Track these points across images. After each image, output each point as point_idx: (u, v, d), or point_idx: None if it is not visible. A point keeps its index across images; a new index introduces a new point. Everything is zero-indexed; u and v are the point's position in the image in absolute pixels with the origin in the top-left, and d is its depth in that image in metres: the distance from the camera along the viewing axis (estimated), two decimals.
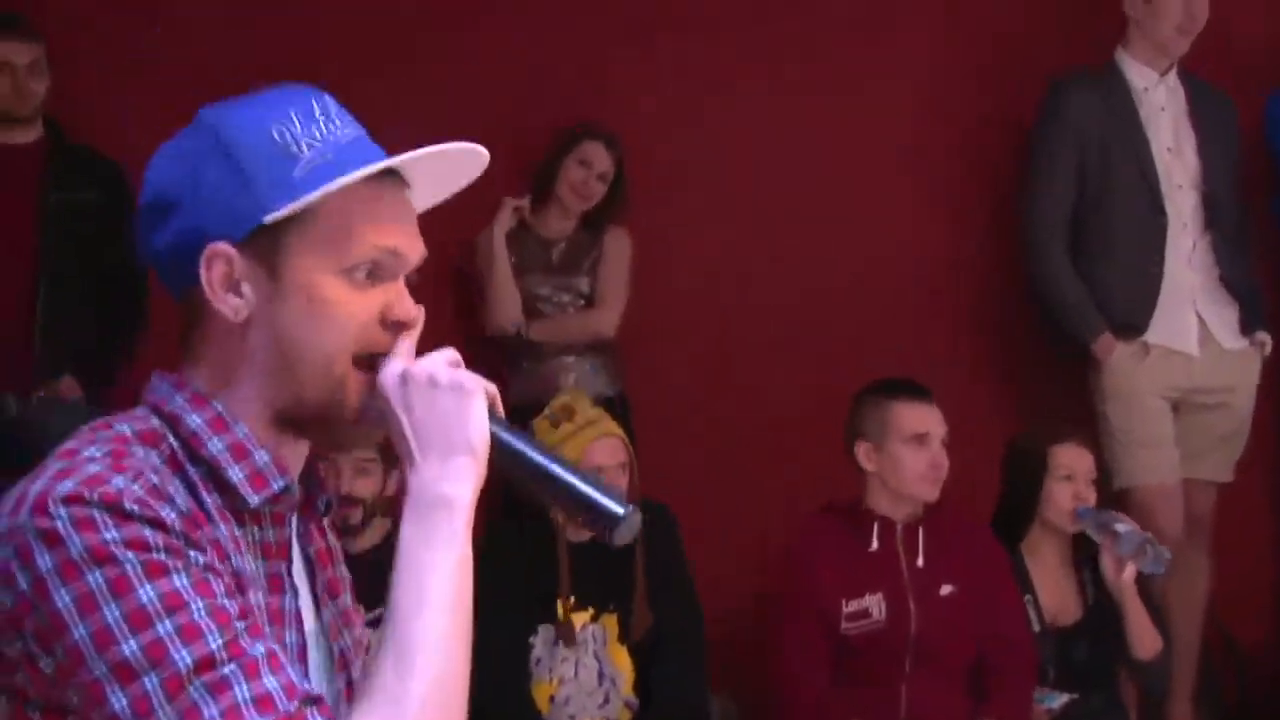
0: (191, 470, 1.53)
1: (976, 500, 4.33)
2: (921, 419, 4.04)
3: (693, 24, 5.09)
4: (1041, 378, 5.06)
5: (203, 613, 1.42)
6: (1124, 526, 4.09)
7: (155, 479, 1.47)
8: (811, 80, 5.12)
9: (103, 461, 1.47)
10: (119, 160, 4.63)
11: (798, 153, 5.12)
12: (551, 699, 4.05)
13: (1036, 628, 4.15)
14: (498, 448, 1.55)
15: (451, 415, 1.52)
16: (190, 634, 1.41)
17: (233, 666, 1.41)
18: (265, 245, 1.54)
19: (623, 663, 4.10)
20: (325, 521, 1.71)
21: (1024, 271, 4.90)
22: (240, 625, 1.44)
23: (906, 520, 4.07)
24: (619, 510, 1.56)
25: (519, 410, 4.40)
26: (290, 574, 1.60)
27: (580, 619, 4.10)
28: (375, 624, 4.22)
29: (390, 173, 1.58)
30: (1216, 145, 4.82)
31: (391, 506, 4.05)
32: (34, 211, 4.58)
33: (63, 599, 1.41)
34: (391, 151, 1.59)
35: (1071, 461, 4.22)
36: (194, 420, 1.55)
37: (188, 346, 1.60)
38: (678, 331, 5.06)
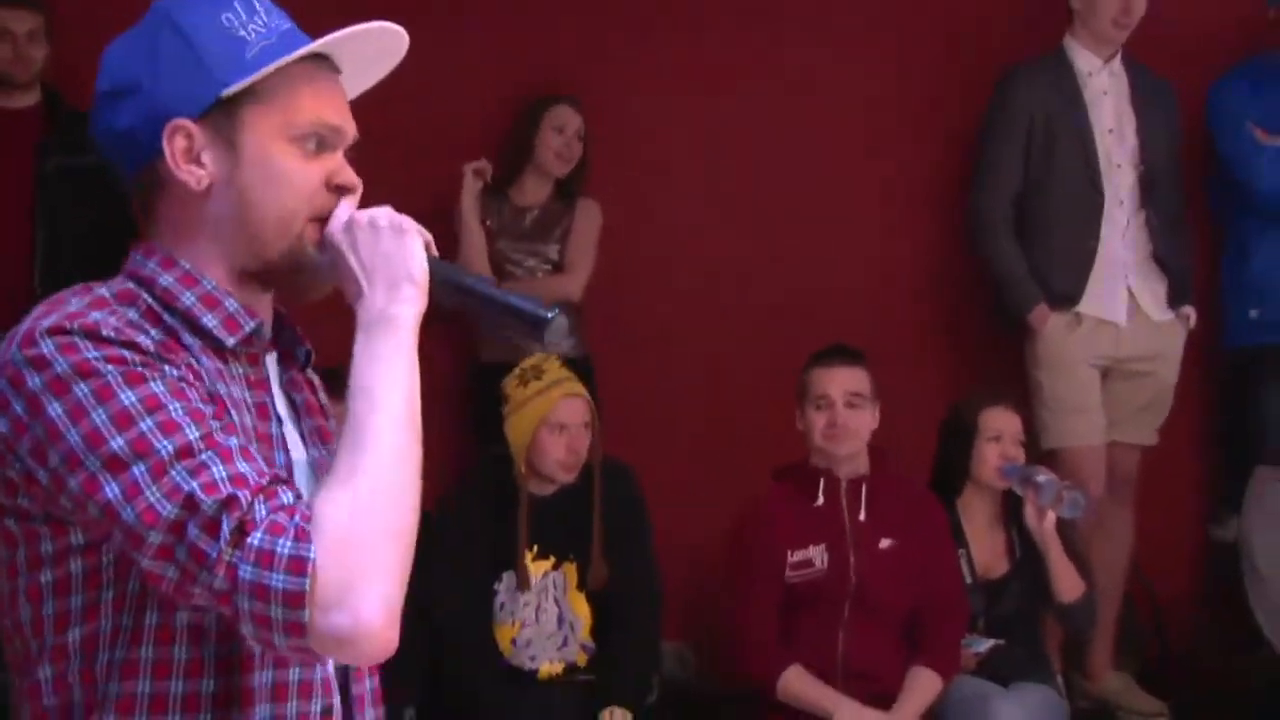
0: (169, 319, 1.69)
1: (927, 462, 4.58)
2: (822, 382, 4.28)
3: (657, 22, 5.29)
4: (986, 348, 5.26)
5: (180, 411, 1.59)
6: (1043, 477, 4.31)
7: (132, 318, 1.65)
8: (775, 71, 5.31)
9: (80, 304, 1.65)
10: None
11: (758, 136, 5.31)
12: (513, 641, 4.24)
13: (968, 579, 4.37)
14: (436, 277, 1.73)
15: (393, 249, 1.70)
16: (170, 428, 1.58)
17: (209, 453, 1.58)
18: (222, 119, 1.71)
19: (581, 609, 4.28)
20: (314, 378, 1.88)
21: (969, 249, 5.11)
22: (215, 424, 1.61)
23: (850, 477, 4.28)
24: (546, 314, 1.73)
25: (492, 369, 4.64)
26: (274, 405, 1.77)
27: (541, 567, 4.28)
28: None
29: (324, 59, 1.76)
30: (1156, 128, 5.03)
31: None
32: (32, 174, 4.71)
33: (54, 410, 1.59)
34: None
35: (1000, 424, 4.45)
36: (166, 279, 1.71)
37: (151, 219, 1.76)
38: (641, 296, 5.25)
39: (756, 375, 5.09)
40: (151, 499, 1.56)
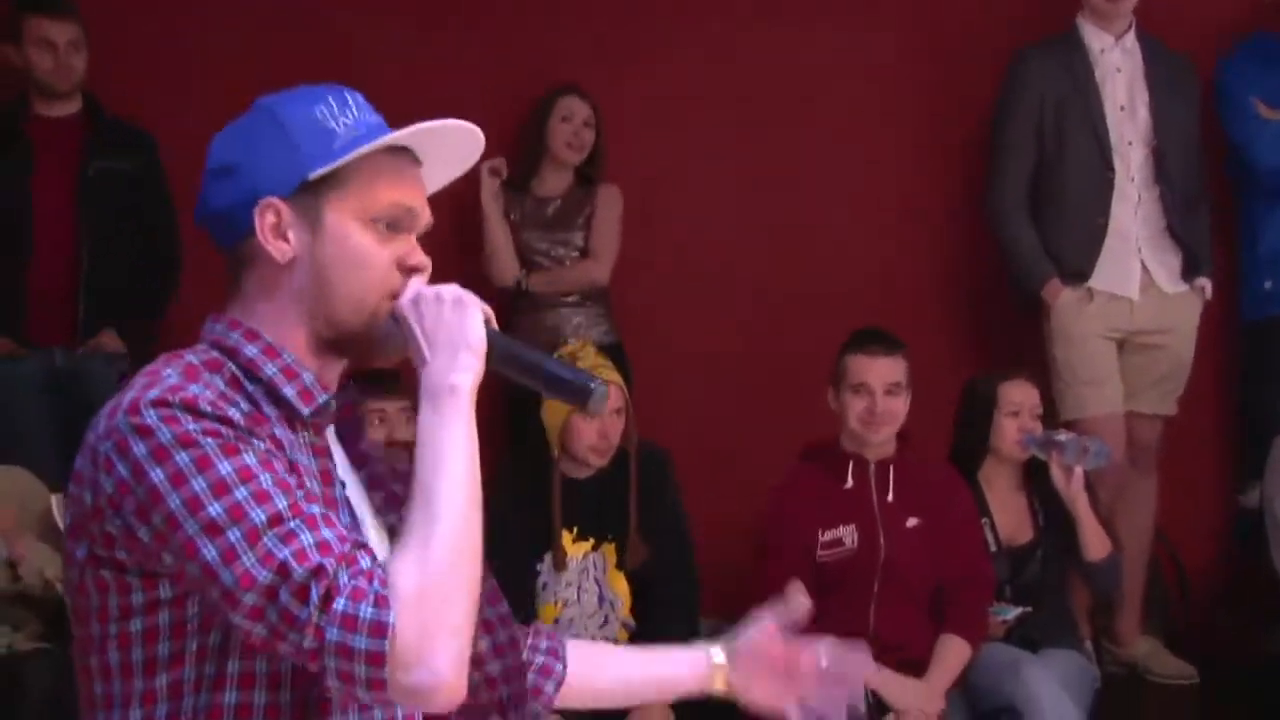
0: (250, 388, 1.85)
1: (947, 437, 4.65)
2: (862, 370, 4.35)
3: (672, 5, 5.40)
4: (1005, 324, 5.33)
5: (270, 481, 1.75)
6: (1064, 436, 4.42)
7: (223, 389, 1.81)
8: (791, 52, 5.40)
9: (179, 377, 1.81)
10: (151, 131, 4.91)
11: (778, 119, 5.41)
12: (556, 620, 4.32)
13: (993, 548, 4.45)
14: (493, 348, 1.87)
15: (454, 321, 1.85)
16: (262, 498, 1.73)
17: (297, 521, 1.73)
18: (308, 200, 1.88)
19: (621, 588, 4.37)
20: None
21: (985, 228, 5.19)
22: (299, 493, 1.77)
23: (878, 459, 4.36)
24: (590, 384, 1.90)
25: None
26: (335, 470, 1.92)
27: (581, 548, 4.37)
28: None
29: (406, 151, 1.92)
30: (1170, 104, 5.07)
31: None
32: (74, 179, 4.84)
33: (158, 476, 1.74)
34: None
35: (1018, 397, 4.54)
36: (250, 350, 1.87)
37: (237, 290, 1.92)
38: (669, 282, 5.36)
39: (783, 356, 5.20)
40: (248, 564, 1.71)
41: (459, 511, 1.77)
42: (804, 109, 5.42)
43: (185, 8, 5.15)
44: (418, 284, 1.89)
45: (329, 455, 1.92)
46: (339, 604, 1.69)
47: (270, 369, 1.87)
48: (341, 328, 1.89)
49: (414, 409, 4.33)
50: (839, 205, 5.41)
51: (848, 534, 4.30)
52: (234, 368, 1.86)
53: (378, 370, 3.77)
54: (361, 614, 1.69)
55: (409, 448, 4.54)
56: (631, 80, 5.34)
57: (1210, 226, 5.18)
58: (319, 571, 1.70)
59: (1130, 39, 5.10)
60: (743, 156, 5.42)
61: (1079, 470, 4.42)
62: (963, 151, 5.39)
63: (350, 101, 1.92)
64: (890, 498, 4.33)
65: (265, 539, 1.71)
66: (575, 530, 4.38)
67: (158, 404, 1.77)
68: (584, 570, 4.37)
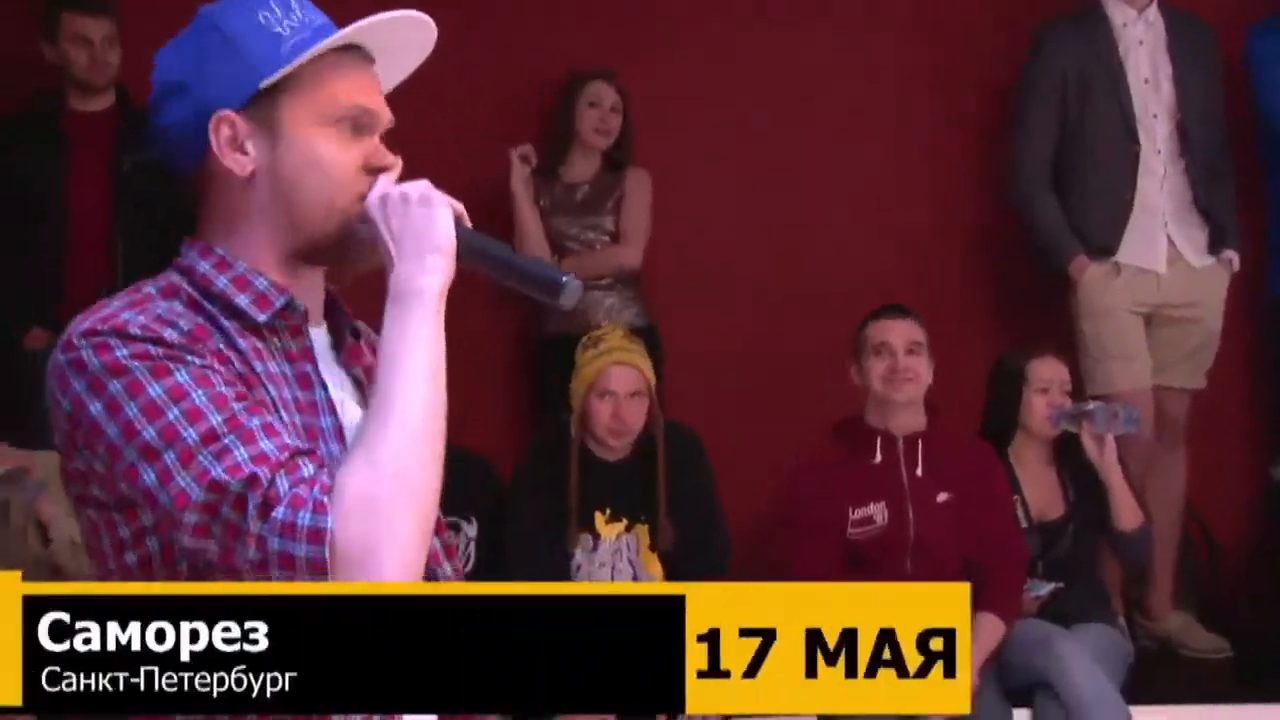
0: (208, 305, 1.81)
1: (979, 415, 4.69)
2: (882, 330, 4.39)
3: None
4: (1034, 300, 5.35)
5: (204, 398, 1.72)
6: (1093, 405, 4.46)
7: (160, 312, 1.77)
8: (813, 29, 5.45)
9: (117, 305, 1.79)
10: None
11: (800, 97, 5.44)
12: None
13: (1024, 524, 4.47)
14: (463, 247, 1.83)
15: (421, 221, 1.80)
16: (194, 416, 1.71)
17: (232, 437, 1.70)
18: (263, 109, 1.83)
19: (655, 569, 4.41)
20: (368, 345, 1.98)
21: (1009, 204, 5.21)
22: (238, 406, 1.73)
23: (906, 434, 4.38)
24: (561, 277, 1.84)
25: (558, 340, 4.81)
26: (317, 374, 1.87)
27: (614, 529, 4.42)
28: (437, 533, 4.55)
29: (358, 50, 1.87)
30: (1194, 75, 5.07)
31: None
32: (109, 173, 4.91)
33: (95, 408, 1.73)
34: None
35: (1048, 374, 4.56)
36: (202, 266, 1.84)
37: (202, 212, 1.88)
38: (700, 264, 5.40)
39: (814, 335, 5.20)
40: (183, 483, 1.69)
41: (415, 416, 1.73)
42: (826, 89, 5.45)
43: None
44: (385, 183, 1.85)
45: (310, 358, 1.88)
46: (278, 512, 1.68)
47: (221, 281, 1.83)
48: (312, 235, 1.85)
49: None
50: (864, 184, 5.44)
51: (878, 511, 4.32)
52: (189, 287, 1.84)
53: None
54: (299, 520, 1.67)
55: None
56: (658, 63, 5.38)
57: (1235, 199, 5.17)
58: (253, 481, 1.68)
59: (1153, 11, 5.10)
60: (769, 139, 5.44)
61: (1110, 439, 4.44)
62: (987, 126, 5.40)
63: (293, 3, 1.87)
64: (920, 472, 4.35)
65: (199, 457, 1.69)
66: (608, 511, 4.41)
67: (88, 334, 1.75)
68: (617, 551, 4.42)
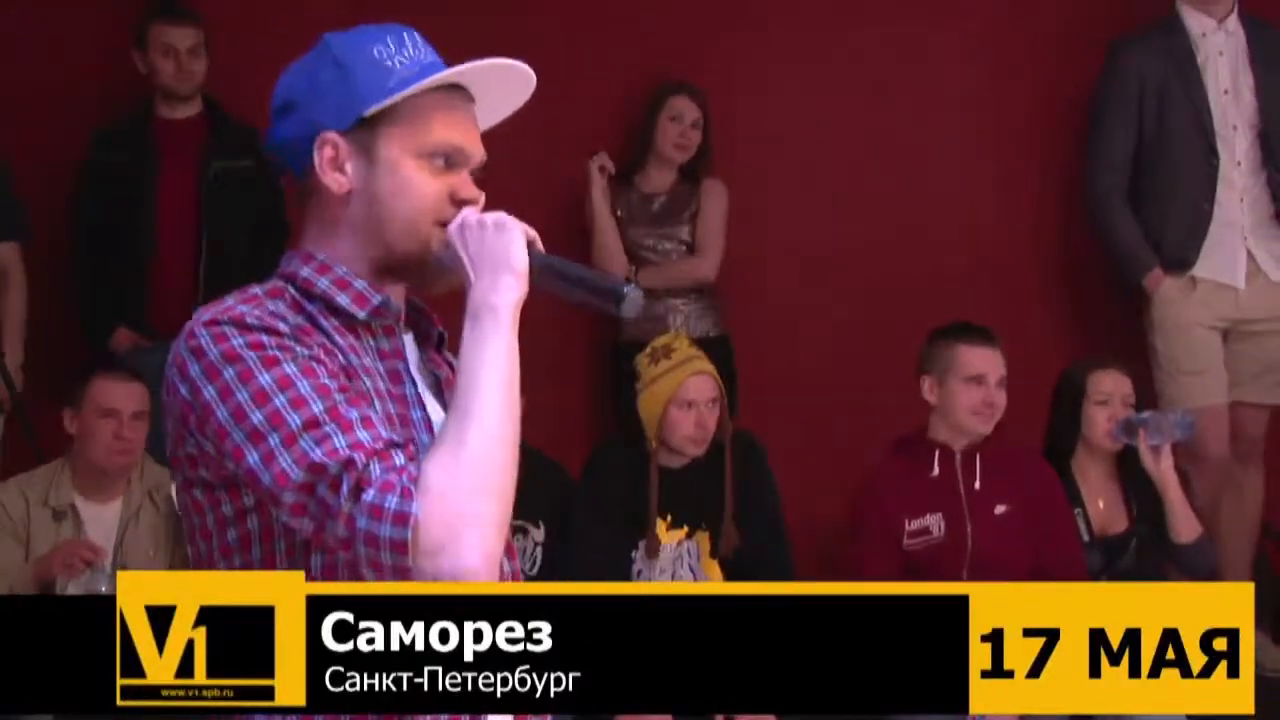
0: (310, 306, 1.96)
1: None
2: (980, 361, 4.34)
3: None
4: (1108, 314, 5.32)
5: (308, 388, 1.86)
6: (1147, 414, 4.41)
7: (272, 308, 1.91)
8: (888, 43, 5.43)
9: (233, 301, 1.93)
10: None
11: (877, 112, 5.43)
12: None
13: (1086, 538, 4.43)
14: (535, 268, 1.95)
15: (496, 244, 1.94)
16: (298, 404, 1.84)
17: (332, 425, 1.83)
18: (364, 135, 1.97)
19: (715, 576, 4.40)
20: (451, 359, 2.08)
21: (1086, 218, 5.16)
22: (339, 397, 1.87)
23: (965, 448, 4.37)
24: (623, 288, 1.96)
25: (630, 347, 4.78)
26: (408, 370, 2.01)
27: (675, 536, 4.42)
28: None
29: (460, 90, 2.01)
30: (1276, 85, 4.98)
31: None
32: (196, 179, 5.00)
33: (209, 392, 1.87)
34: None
35: (1108, 386, 4.50)
36: (305, 271, 1.98)
37: (304, 221, 2.03)
38: (774, 276, 5.39)
39: (886, 348, 5.17)
40: (284, 464, 1.82)
41: (493, 416, 1.85)
42: (898, 103, 5.44)
43: (302, 7, 5.17)
44: (468, 212, 1.98)
45: (401, 356, 2.01)
46: (368, 495, 1.79)
47: (323, 283, 1.97)
48: (396, 253, 1.98)
49: None
50: (934, 197, 5.42)
51: (934, 523, 4.31)
52: (293, 290, 1.96)
53: None
54: (387, 504, 1.79)
55: None
56: (736, 76, 5.39)
57: None
58: (349, 464, 1.80)
59: (1233, 21, 5.03)
60: (846, 156, 5.45)
61: (1167, 449, 4.39)
62: (1064, 140, 5.37)
63: (408, 41, 2.01)
64: (977, 485, 4.33)
65: (301, 441, 1.82)
66: (669, 518, 4.42)
67: (209, 324, 1.89)
68: (678, 558, 4.42)
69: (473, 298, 1.93)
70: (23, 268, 5.00)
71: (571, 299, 1.97)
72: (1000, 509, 4.32)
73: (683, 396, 4.36)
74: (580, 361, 5.37)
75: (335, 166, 1.98)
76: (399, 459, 1.82)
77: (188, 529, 1.96)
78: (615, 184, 5.27)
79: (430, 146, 1.97)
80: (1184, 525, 4.42)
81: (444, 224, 1.97)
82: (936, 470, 4.36)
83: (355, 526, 1.79)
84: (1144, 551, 4.50)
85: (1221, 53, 5.02)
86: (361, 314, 1.97)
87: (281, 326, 1.89)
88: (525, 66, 2.02)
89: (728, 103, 5.26)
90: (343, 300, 1.96)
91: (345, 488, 1.79)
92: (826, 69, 5.44)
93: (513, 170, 5.23)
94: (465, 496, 1.80)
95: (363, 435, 1.83)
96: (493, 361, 1.88)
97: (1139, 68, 5.01)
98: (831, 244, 5.42)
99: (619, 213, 5.26)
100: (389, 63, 1.98)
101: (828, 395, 5.35)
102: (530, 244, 1.96)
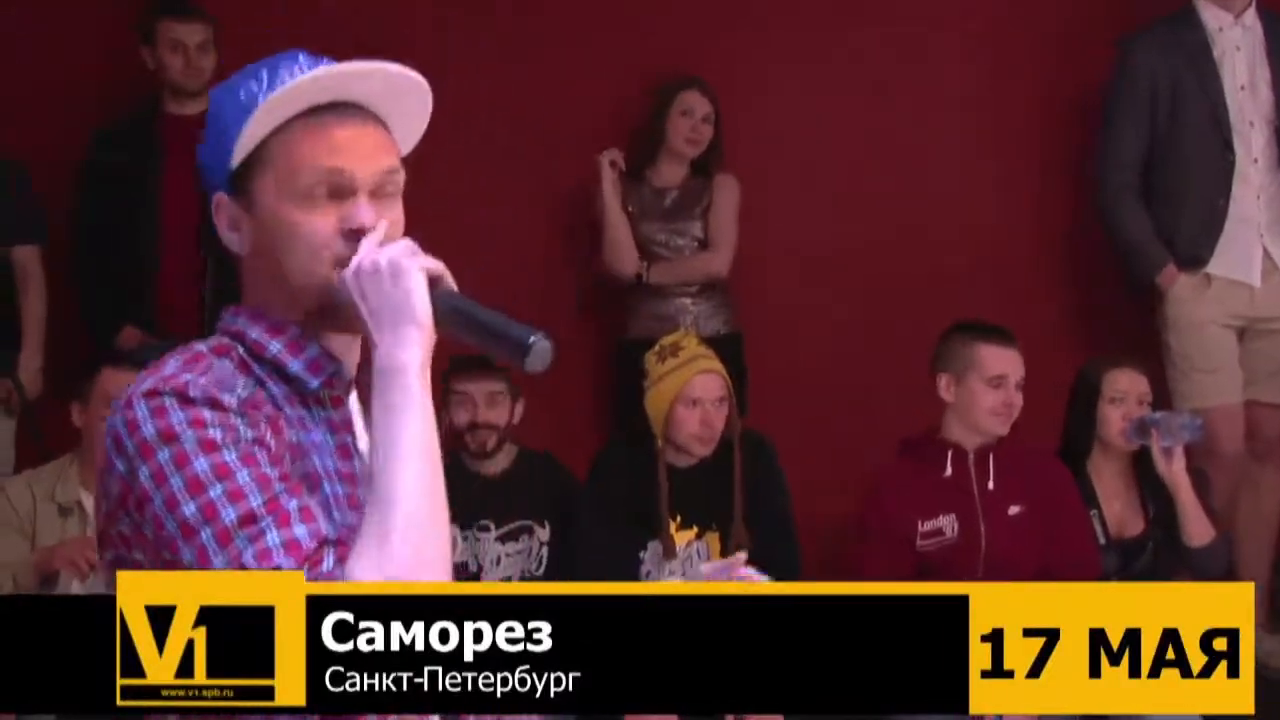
0: (258, 369, 1.83)
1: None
2: (1003, 363, 4.30)
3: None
4: (1121, 312, 5.29)
5: (247, 478, 1.72)
6: (1157, 415, 4.36)
7: (219, 375, 1.78)
8: (892, 41, 5.44)
9: (177, 365, 1.80)
10: None
11: (877, 112, 5.43)
12: None
13: (1102, 540, 4.39)
14: (441, 313, 1.78)
15: (394, 293, 1.76)
16: (235, 496, 1.72)
17: (269, 520, 1.71)
18: (243, 187, 1.83)
19: None
20: None
21: (1097, 216, 5.11)
22: (279, 487, 1.74)
23: (978, 448, 4.32)
24: (529, 338, 1.78)
25: (641, 345, 4.75)
26: (355, 445, 1.89)
27: (685, 537, 4.40)
28: (513, 535, 4.58)
29: (350, 107, 1.83)
30: None
31: (517, 434, 4.47)
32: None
33: (144, 473, 1.74)
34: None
35: (1123, 385, 4.45)
36: (254, 331, 1.85)
37: (241, 279, 1.91)
38: (785, 274, 5.39)
39: (886, 348, 5.22)
40: (218, 565, 1.71)
41: (413, 499, 1.73)
42: (903, 101, 5.44)
43: (309, 4, 5.27)
44: (366, 247, 1.81)
45: (349, 429, 1.90)
46: None
47: (274, 346, 1.85)
48: (308, 305, 1.84)
49: (500, 392, 4.39)
50: (942, 195, 5.42)
51: (948, 524, 4.27)
52: (242, 350, 1.84)
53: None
54: None
55: (493, 431, 4.54)
56: (747, 71, 5.39)
57: None
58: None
59: (1250, 15, 4.98)
60: (854, 154, 5.44)
61: (1179, 451, 4.34)
62: (1064, 140, 5.36)
63: (284, 71, 1.85)
64: (991, 485, 4.30)
65: (236, 539, 1.71)
66: (679, 519, 4.40)
67: (149, 395, 1.77)
68: (688, 559, 4.39)
69: (378, 358, 1.78)
70: (42, 271, 5.01)
71: (476, 345, 1.81)
72: (1014, 509, 4.29)
73: (689, 395, 4.34)
74: (585, 361, 5.36)
75: (232, 228, 1.86)
76: (328, 562, 1.71)
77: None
78: (626, 180, 5.25)
79: (303, 180, 1.81)
80: (1196, 528, 4.38)
81: (344, 262, 1.80)
82: (949, 470, 4.32)
83: None
84: (1161, 554, 4.47)
85: (1239, 47, 4.98)
86: (314, 383, 1.85)
87: (227, 400, 1.76)
88: (394, 66, 1.84)
89: (728, 102, 5.24)
90: (295, 368, 1.85)
91: None
92: (826, 69, 5.44)
93: (513, 171, 5.31)
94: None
95: (299, 531, 1.72)
96: (405, 434, 1.74)
97: (1150, 63, 4.96)
98: (831, 244, 5.42)
99: (630, 208, 5.24)
100: (257, 100, 1.81)
101: (828, 395, 5.34)
102: (435, 281, 1.80)
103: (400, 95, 1.87)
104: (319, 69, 1.82)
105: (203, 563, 1.71)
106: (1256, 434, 4.97)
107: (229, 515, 1.71)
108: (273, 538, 1.71)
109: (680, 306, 5.18)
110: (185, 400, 1.75)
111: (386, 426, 1.75)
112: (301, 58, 1.87)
